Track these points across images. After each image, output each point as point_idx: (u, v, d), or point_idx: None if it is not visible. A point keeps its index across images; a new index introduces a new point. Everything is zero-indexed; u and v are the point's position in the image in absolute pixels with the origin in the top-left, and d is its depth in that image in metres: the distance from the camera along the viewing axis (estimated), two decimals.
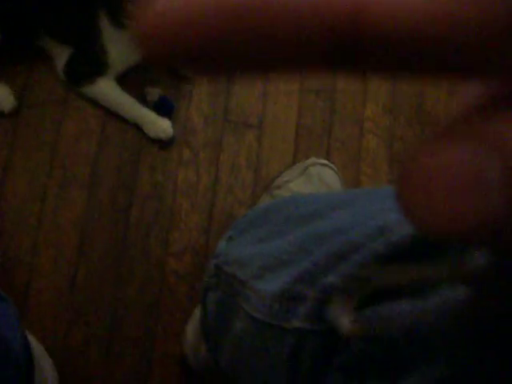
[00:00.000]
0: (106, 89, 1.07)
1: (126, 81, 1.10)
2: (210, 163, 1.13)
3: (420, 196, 0.11)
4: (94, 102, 1.09)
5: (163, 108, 1.10)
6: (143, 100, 1.11)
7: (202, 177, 1.12)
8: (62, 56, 1.06)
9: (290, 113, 1.22)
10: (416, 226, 0.11)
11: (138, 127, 1.10)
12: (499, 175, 0.11)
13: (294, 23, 0.10)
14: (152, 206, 1.08)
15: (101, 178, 1.07)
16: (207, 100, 1.17)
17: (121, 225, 1.06)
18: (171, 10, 0.10)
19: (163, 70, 1.14)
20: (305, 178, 1.08)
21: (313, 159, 1.12)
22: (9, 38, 1.02)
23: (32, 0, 0.98)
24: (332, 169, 1.10)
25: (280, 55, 0.10)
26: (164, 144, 1.11)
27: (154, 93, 1.11)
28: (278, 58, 0.10)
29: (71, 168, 1.07)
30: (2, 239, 1.02)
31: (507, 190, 0.11)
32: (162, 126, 1.09)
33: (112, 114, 1.10)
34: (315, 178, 1.08)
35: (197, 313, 1.00)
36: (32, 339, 0.90)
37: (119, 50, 1.03)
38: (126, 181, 1.08)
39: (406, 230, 0.35)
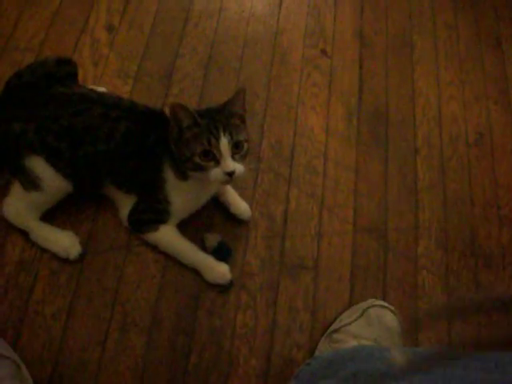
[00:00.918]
0: (168, 236, 1.11)
1: (186, 226, 1.14)
2: (268, 306, 1.14)
3: None
4: (155, 248, 1.13)
5: (221, 253, 1.13)
6: (202, 245, 1.15)
7: (259, 320, 1.12)
8: (126, 204, 1.12)
9: (344, 253, 1.23)
10: None
11: (196, 272, 1.13)
12: None
13: None
14: (211, 352, 1.08)
15: (160, 323, 1.09)
16: (263, 243, 1.20)
17: (180, 371, 1.06)
18: None
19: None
20: (364, 320, 1.07)
21: (371, 301, 1.11)
22: (79, 187, 1.09)
23: (103, 154, 1.05)
24: (391, 311, 1.09)
25: None
26: (223, 289, 1.12)
27: (213, 238, 1.14)
28: None
29: (131, 313, 1.08)
30: None
31: None
32: (220, 271, 1.11)
33: (172, 259, 1.13)
34: (375, 321, 1.07)
35: None
36: None
37: (182, 200, 1.09)
38: (184, 326, 1.09)
39: None
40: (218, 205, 1.20)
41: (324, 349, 1.06)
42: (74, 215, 1.15)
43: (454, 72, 1.66)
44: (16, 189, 1.07)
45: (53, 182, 1.04)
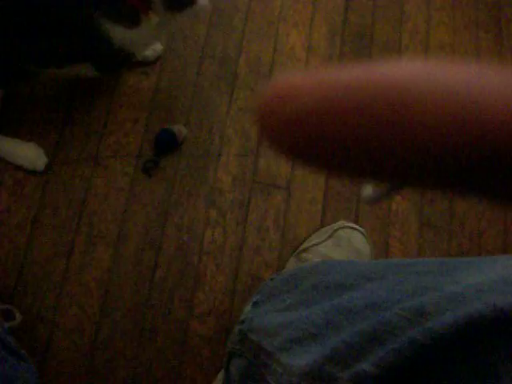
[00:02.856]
0: None
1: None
2: (237, 224, 1.12)
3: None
4: (124, 160, 1.10)
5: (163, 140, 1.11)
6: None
7: (228, 238, 1.11)
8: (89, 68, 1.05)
9: (319, 175, 1.21)
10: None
11: (167, 187, 1.10)
12: None
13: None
14: (177, 266, 1.07)
15: (127, 237, 1.07)
16: (235, 161, 1.17)
17: (145, 284, 1.05)
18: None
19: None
20: (333, 241, 1.06)
21: (342, 222, 1.10)
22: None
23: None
24: (361, 233, 1.08)
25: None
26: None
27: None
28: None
29: (98, 226, 1.07)
30: (26, 296, 1.01)
31: None
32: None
33: (140, 173, 1.11)
34: (344, 242, 1.06)
35: (219, 377, 0.97)
36: None
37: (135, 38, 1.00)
38: (152, 240, 1.08)
39: (447, 315, 0.33)
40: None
41: (291, 267, 1.06)
42: (41, 125, 1.11)
43: None
44: None
45: None
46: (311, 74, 0.12)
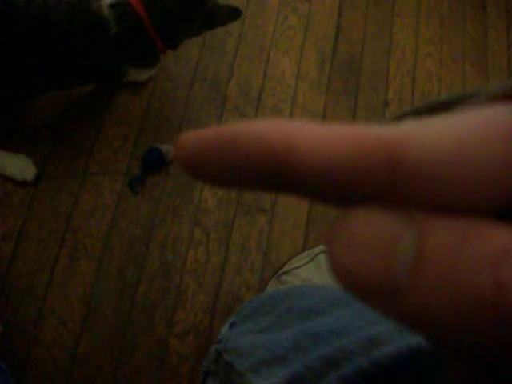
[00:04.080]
0: None
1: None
2: (220, 244, 1.14)
3: (343, 250, 0.13)
4: (112, 177, 1.12)
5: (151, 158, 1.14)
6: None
7: (211, 257, 1.13)
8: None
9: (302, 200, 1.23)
10: (339, 276, 0.13)
11: (152, 205, 1.12)
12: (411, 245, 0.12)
13: (248, 158, 0.14)
14: (159, 284, 1.08)
15: (111, 253, 1.08)
16: None
17: (127, 300, 1.06)
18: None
19: None
20: (313, 264, 1.08)
21: (323, 246, 1.12)
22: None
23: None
24: None
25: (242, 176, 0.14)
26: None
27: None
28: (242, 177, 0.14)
29: (83, 240, 1.08)
30: (8, 307, 1.02)
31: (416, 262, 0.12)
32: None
33: (127, 191, 1.12)
34: (324, 266, 1.08)
35: None
36: None
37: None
38: (135, 257, 1.09)
39: (396, 344, 0.35)
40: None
41: (271, 290, 1.08)
42: (31, 139, 1.13)
43: (434, 29, 1.63)
44: None
45: None
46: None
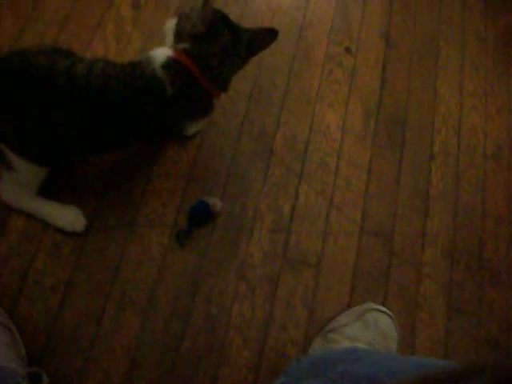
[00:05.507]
0: None
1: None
2: (266, 299, 1.13)
3: None
4: (159, 230, 1.13)
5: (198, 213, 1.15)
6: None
7: (256, 312, 1.12)
8: None
9: (348, 254, 1.22)
10: None
11: (199, 258, 1.13)
12: None
13: None
14: (204, 338, 1.08)
15: (157, 305, 1.09)
16: (267, 236, 1.19)
17: (171, 354, 1.06)
18: None
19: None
20: (361, 323, 1.06)
21: (370, 304, 1.10)
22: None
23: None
24: (389, 316, 1.08)
25: None
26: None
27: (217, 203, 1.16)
28: None
29: (129, 292, 1.08)
30: (54, 358, 1.02)
31: None
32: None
33: (174, 243, 1.13)
34: (371, 325, 1.06)
35: None
36: None
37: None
38: (181, 310, 1.09)
39: None
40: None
41: (318, 347, 1.06)
42: (82, 189, 1.15)
43: (478, 83, 1.63)
44: (2, 170, 1.06)
45: (23, 166, 1.01)
46: None
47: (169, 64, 0.98)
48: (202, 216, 1.14)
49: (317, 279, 1.17)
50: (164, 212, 1.16)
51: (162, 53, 1.00)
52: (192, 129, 1.15)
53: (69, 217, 1.11)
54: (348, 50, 1.51)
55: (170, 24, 1.05)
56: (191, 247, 1.14)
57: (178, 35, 1.01)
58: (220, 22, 1.01)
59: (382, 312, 1.08)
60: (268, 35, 1.08)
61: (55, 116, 0.93)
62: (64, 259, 1.09)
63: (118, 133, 1.00)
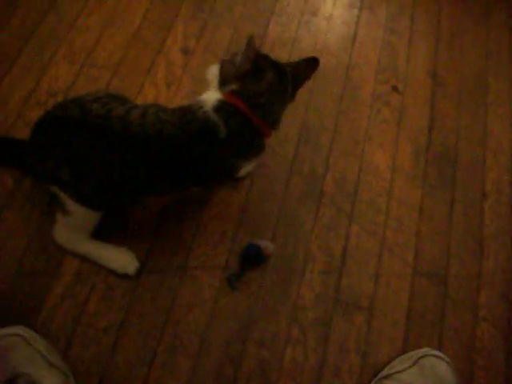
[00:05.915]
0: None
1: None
2: (318, 343, 1.11)
3: None
4: (211, 273, 1.14)
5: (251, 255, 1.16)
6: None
7: (308, 356, 1.10)
8: None
9: (401, 296, 1.20)
10: None
11: (249, 301, 1.12)
12: None
13: None
14: (257, 383, 1.06)
15: (209, 349, 1.08)
16: (319, 278, 1.18)
17: None
18: None
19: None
20: (417, 369, 1.03)
21: (426, 350, 1.07)
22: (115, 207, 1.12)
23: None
24: (446, 362, 1.05)
25: None
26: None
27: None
28: None
29: (181, 336, 1.08)
30: None
31: None
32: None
33: (225, 286, 1.13)
34: (428, 371, 1.03)
35: None
36: None
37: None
38: (232, 354, 1.08)
39: None
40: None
41: None
42: (135, 232, 1.17)
43: None
44: (57, 213, 1.09)
45: (78, 210, 1.04)
46: None
47: (220, 106, 1.00)
48: (253, 259, 1.15)
49: (369, 323, 1.15)
50: (215, 254, 1.16)
51: (212, 96, 1.02)
52: (244, 170, 1.16)
53: (122, 259, 1.12)
54: (395, 88, 1.50)
55: (213, 70, 1.07)
56: (242, 290, 1.14)
57: (223, 79, 1.03)
58: (263, 60, 1.03)
59: (438, 357, 1.05)
60: (310, 64, 1.10)
61: (111, 162, 0.96)
62: (116, 301, 1.10)
63: (172, 176, 1.02)
